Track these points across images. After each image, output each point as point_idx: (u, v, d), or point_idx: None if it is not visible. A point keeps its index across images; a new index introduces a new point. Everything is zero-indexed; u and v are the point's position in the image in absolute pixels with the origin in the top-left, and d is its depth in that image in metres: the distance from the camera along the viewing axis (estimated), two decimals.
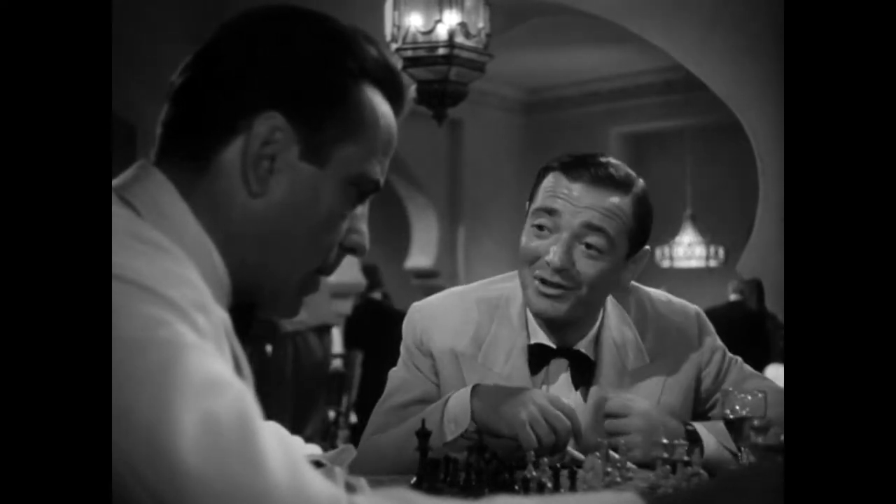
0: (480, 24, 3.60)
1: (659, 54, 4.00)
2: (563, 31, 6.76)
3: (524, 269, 1.74)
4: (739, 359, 1.88)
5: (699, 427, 1.69)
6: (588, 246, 1.68)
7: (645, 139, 9.63)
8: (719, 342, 1.85)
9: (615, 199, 1.69)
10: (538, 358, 1.77)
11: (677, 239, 8.62)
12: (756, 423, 1.49)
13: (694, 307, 1.88)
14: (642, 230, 1.74)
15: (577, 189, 1.69)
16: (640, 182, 1.76)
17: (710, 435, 1.67)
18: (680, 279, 7.88)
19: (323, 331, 4.27)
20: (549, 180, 1.73)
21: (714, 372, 1.82)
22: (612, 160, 1.75)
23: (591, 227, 1.68)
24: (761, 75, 3.37)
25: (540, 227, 1.71)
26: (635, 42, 4.20)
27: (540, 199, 1.73)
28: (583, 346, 1.78)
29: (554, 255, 1.67)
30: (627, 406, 1.66)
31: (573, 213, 1.68)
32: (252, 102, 0.96)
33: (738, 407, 1.54)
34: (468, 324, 1.80)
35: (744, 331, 6.77)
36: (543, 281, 1.70)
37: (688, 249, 8.57)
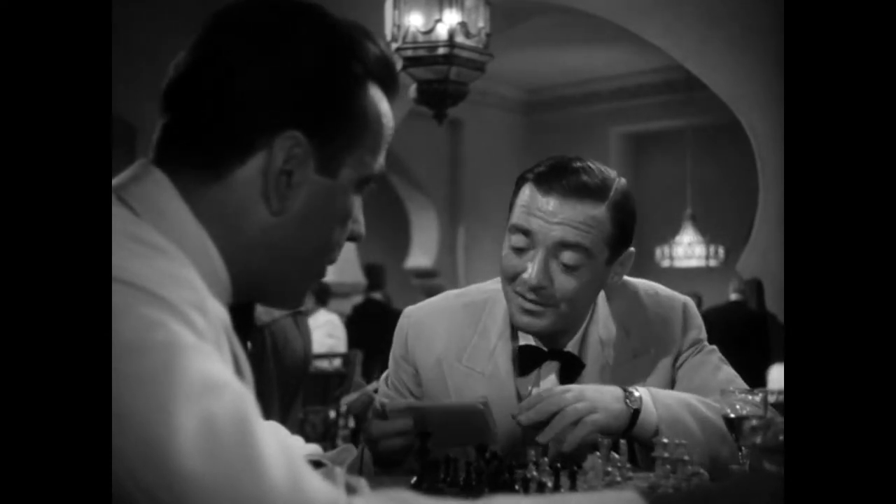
0: (480, 24, 3.60)
1: (659, 54, 4.00)
2: (563, 30, 6.76)
3: (506, 284, 1.74)
4: (717, 351, 1.85)
5: (645, 400, 1.64)
6: (565, 262, 1.67)
7: (645, 139, 9.63)
8: (703, 335, 1.83)
9: (590, 211, 1.66)
10: (529, 360, 1.77)
11: (677, 238, 8.63)
12: (755, 422, 1.49)
13: (682, 298, 1.85)
14: (623, 234, 1.71)
15: (550, 204, 1.66)
16: (620, 183, 1.72)
17: (655, 400, 1.64)
18: (680, 278, 7.89)
19: (297, 316, 4.22)
20: (525, 193, 1.71)
21: (686, 357, 1.81)
22: (589, 165, 1.71)
23: (565, 245, 1.66)
24: (762, 75, 3.37)
25: (517, 245, 1.70)
26: (635, 42, 4.20)
27: (516, 216, 1.71)
28: (572, 346, 1.78)
29: (530, 274, 1.67)
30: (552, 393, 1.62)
31: (547, 230, 1.66)
32: (270, 121, 0.95)
33: (738, 407, 1.54)
34: (453, 329, 1.81)
35: (745, 331, 6.77)
36: (524, 297, 1.70)
37: (688, 249, 8.58)
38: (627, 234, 1.72)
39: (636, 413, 1.62)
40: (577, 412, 1.58)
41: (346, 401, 1.47)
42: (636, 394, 1.63)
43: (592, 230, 1.66)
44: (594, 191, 1.67)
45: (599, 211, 1.66)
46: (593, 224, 1.66)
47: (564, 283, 1.68)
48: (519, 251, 1.70)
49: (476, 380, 1.76)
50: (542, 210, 1.67)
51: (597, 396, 1.61)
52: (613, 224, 1.68)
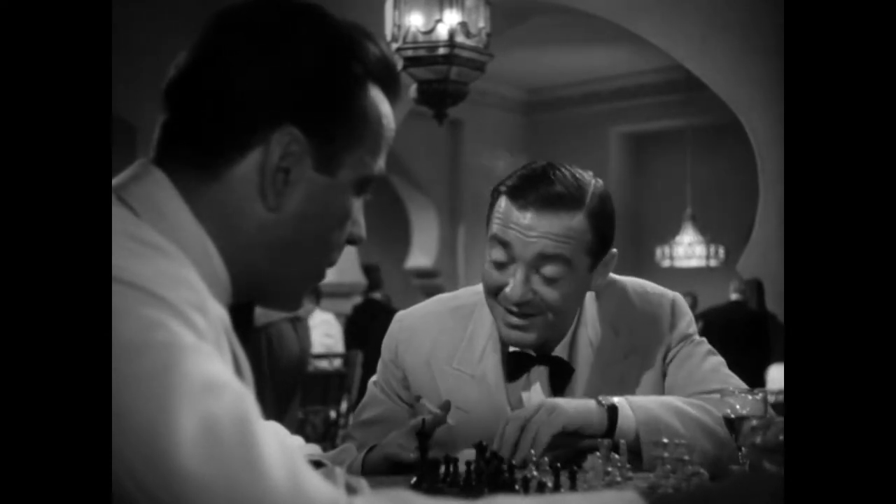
0: (481, 24, 3.60)
1: (659, 54, 4.00)
2: (563, 31, 6.76)
3: (489, 298, 1.72)
4: (705, 342, 1.83)
5: (620, 402, 1.62)
6: (546, 274, 1.65)
7: (645, 139, 9.64)
8: (692, 329, 1.82)
9: (567, 221, 1.64)
10: (518, 366, 1.76)
11: (677, 238, 8.63)
12: (755, 422, 1.49)
13: (671, 294, 1.83)
14: (603, 240, 1.69)
15: (527, 217, 1.64)
16: (596, 187, 1.69)
17: (633, 408, 1.62)
18: (680, 278, 7.89)
19: (296, 321, 4.22)
20: (501, 205, 1.68)
21: (675, 353, 1.80)
22: (562, 172, 1.68)
23: (545, 258, 1.64)
24: (761, 75, 3.37)
25: (497, 259, 1.68)
26: (635, 42, 4.20)
27: (494, 228, 1.68)
28: (560, 349, 1.77)
29: (512, 289, 1.65)
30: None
31: (525, 244, 1.64)
32: (267, 118, 0.95)
33: (738, 407, 1.54)
34: (442, 332, 1.80)
35: (745, 331, 6.78)
36: (509, 311, 1.68)
37: (688, 249, 8.58)
38: (608, 239, 1.70)
39: (614, 414, 1.60)
40: (538, 422, 1.56)
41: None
42: (609, 399, 1.62)
43: (571, 240, 1.64)
44: (570, 200, 1.65)
45: (577, 220, 1.64)
46: (572, 235, 1.64)
47: (548, 294, 1.66)
48: (499, 265, 1.68)
49: (466, 383, 1.75)
50: (518, 224, 1.64)
51: (560, 401, 1.61)
52: (593, 232, 1.66)
